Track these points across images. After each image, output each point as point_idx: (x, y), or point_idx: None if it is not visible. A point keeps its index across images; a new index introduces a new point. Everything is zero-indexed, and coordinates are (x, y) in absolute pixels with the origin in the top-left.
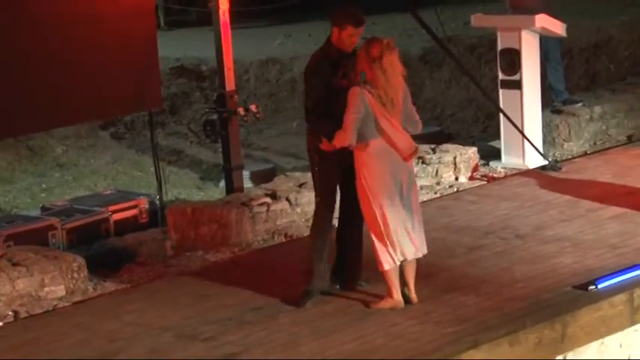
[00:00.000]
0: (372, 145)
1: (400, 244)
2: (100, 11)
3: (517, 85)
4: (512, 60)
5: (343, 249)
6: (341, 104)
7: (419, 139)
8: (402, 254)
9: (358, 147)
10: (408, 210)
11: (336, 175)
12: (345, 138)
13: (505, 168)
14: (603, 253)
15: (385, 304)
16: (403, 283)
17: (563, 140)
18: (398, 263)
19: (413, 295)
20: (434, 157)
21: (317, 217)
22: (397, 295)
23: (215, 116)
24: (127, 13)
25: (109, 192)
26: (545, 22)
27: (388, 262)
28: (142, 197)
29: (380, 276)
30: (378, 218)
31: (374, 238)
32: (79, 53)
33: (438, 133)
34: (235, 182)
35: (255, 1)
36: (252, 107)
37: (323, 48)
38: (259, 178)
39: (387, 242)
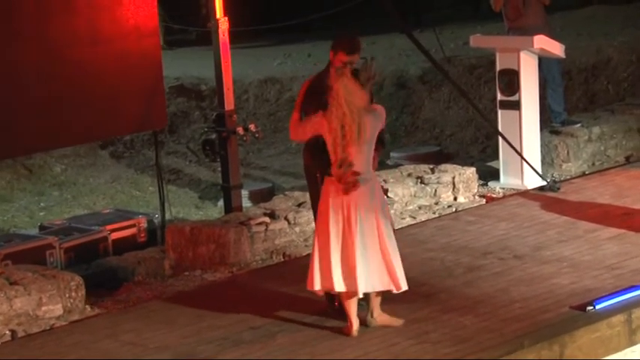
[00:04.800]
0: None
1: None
2: (103, 32)
3: (516, 105)
4: (511, 81)
5: None
6: None
7: (418, 158)
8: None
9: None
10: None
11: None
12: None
13: (504, 188)
14: (601, 273)
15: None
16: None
17: (562, 161)
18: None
19: (374, 322)
20: (432, 177)
21: None
22: (355, 323)
23: (214, 135)
24: (131, 33)
25: (108, 211)
26: (543, 43)
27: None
28: (140, 216)
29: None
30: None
31: (315, 258)
32: (83, 74)
33: (436, 153)
34: (234, 201)
35: (254, 21)
36: (252, 127)
37: (322, 71)
38: (258, 197)
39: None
